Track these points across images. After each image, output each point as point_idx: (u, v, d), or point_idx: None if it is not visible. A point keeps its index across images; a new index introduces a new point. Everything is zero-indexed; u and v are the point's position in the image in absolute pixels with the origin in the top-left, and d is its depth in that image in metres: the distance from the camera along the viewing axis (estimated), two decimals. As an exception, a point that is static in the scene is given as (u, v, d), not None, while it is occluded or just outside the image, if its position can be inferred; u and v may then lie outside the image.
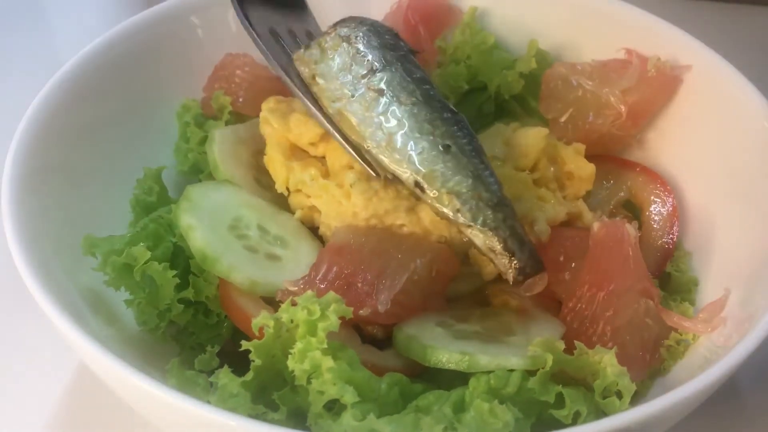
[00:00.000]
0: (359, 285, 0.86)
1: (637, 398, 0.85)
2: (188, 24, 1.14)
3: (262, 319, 0.79)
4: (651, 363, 0.89)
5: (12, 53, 1.47)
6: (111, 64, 1.06)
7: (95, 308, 0.89)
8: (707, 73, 1.06)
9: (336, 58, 0.93)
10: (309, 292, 0.81)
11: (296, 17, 1.06)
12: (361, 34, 0.94)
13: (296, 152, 0.99)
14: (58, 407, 0.97)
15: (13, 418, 0.96)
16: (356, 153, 0.92)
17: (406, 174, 0.89)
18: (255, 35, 0.99)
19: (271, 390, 0.81)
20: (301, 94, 0.96)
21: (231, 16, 1.14)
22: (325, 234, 0.96)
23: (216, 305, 0.92)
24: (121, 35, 1.08)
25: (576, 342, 0.83)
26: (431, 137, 0.90)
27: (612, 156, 1.10)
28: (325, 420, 0.78)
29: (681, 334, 0.91)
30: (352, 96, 0.92)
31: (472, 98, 1.16)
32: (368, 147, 0.91)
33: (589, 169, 1.02)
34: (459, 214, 0.88)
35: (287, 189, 0.99)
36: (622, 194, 1.07)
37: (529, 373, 0.81)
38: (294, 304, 0.80)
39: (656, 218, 1.05)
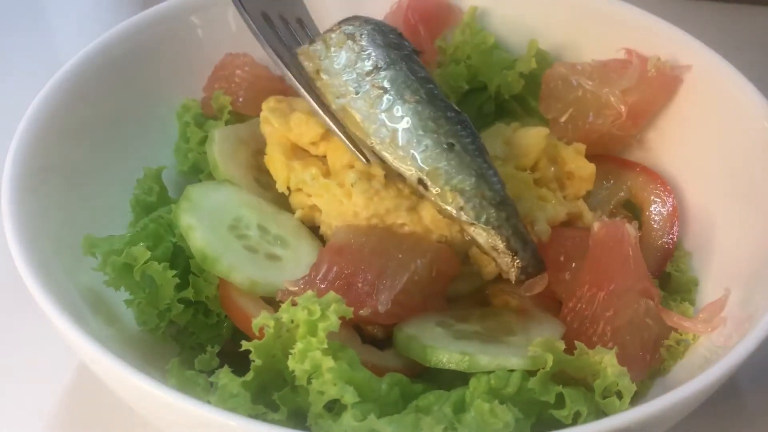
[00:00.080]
0: (359, 285, 0.86)
1: (637, 398, 0.85)
2: (188, 24, 1.14)
3: (262, 320, 0.79)
4: (651, 363, 0.89)
5: (12, 53, 1.47)
6: (111, 64, 1.06)
7: (95, 308, 0.89)
8: (707, 73, 1.06)
9: (341, 54, 0.94)
10: (309, 292, 0.81)
11: (288, 3, 1.05)
12: (365, 32, 0.94)
13: (297, 152, 0.99)
14: (58, 407, 0.97)
15: (13, 418, 0.96)
16: (345, 137, 0.92)
17: (409, 171, 0.90)
18: (247, 17, 0.99)
19: (272, 390, 0.81)
20: (290, 75, 0.95)
21: (231, 16, 1.14)
22: (325, 233, 0.96)
23: (216, 305, 0.92)
24: (121, 35, 1.08)
25: (576, 342, 0.83)
26: (435, 135, 0.90)
27: (612, 156, 1.10)
28: (325, 420, 0.78)
29: (681, 334, 0.91)
30: (357, 93, 0.92)
31: (472, 98, 1.16)
32: (372, 144, 0.91)
33: (589, 169, 1.02)
34: (462, 212, 0.88)
35: (288, 188, 0.99)
36: (622, 194, 1.07)
37: (530, 373, 0.81)
38: (294, 304, 0.80)
39: (656, 218, 1.05)
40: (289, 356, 0.78)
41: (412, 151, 0.90)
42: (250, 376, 0.80)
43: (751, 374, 0.98)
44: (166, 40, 1.12)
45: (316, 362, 0.77)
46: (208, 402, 0.76)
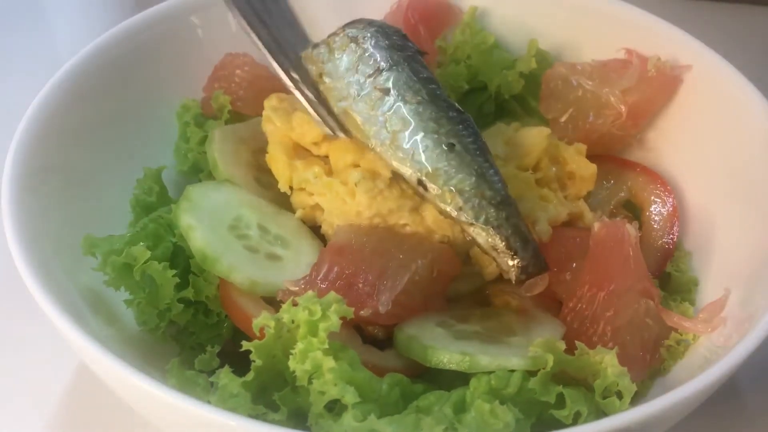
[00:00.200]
0: (360, 285, 0.86)
1: (637, 398, 0.85)
2: (188, 24, 1.14)
3: (262, 320, 0.79)
4: (651, 363, 0.89)
5: (12, 53, 1.47)
6: (111, 64, 1.06)
7: (95, 308, 0.89)
8: (707, 73, 1.06)
9: (344, 57, 0.94)
10: (310, 292, 0.81)
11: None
12: (369, 34, 0.95)
13: (299, 151, 0.99)
14: (58, 407, 0.97)
15: (13, 418, 0.96)
16: (314, 108, 0.93)
17: (409, 172, 0.90)
18: (236, 11, 0.98)
19: (272, 390, 0.81)
20: (266, 52, 0.95)
21: (231, 16, 1.14)
22: (327, 232, 0.96)
23: (216, 305, 0.92)
24: (121, 35, 1.08)
25: (577, 342, 0.82)
26: (435, 135, 0.90)
27: (612, 156, 1.10)
28: (325, 420, 0.78)
29: (681, 334, 0.91)
30: (358, 95, 0.92)
31: (473, 98, 1.16)
32: (373, 146, 0.91)
33: (590, 169, 1.02)
34: (461, 212, 0.88)
35: (290, 188, 0.99)
36: (622, 194, 1.07)
37: (530, 373, 0.81)
38: (295, 304, 0.80)
39: (656, 218, 1.05)
40: (290, 356, 0.78)
41: (412, 152, 0.90)
42: (250, 376, 0.80)
43: (751, 374, 0.98)
44: (166, 40, 1.11)
45: (316, 362, 0.77)
46: (208, 402, 0.76)
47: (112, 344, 0.82)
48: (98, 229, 0.92)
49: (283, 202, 1.00)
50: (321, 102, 0.95)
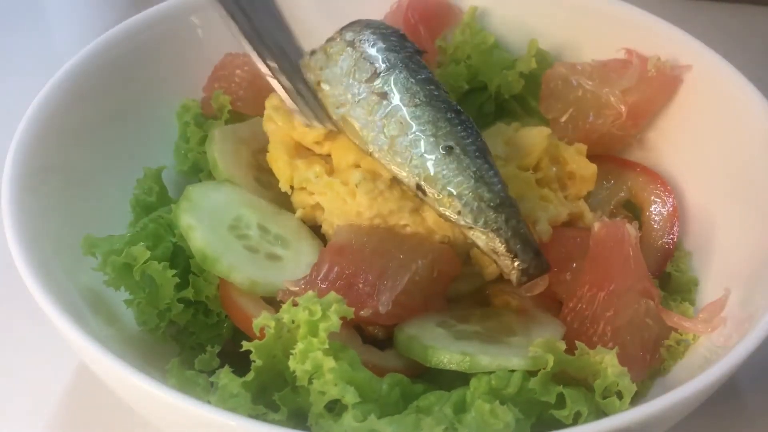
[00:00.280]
0: (360, 285, 0.86)
1: (637, 398, 0.85)
2: (188, 24, 1.14)
3: (263, 320, 0.79)
4: (651, 363, 0.89)
5: (12, 53, 1.47)
6: (111, 64, 1.06)
7: (95, 308, 0.89)
8: (707, 73, 1.06)
9: (341, 63, 0.94)
10: (310, 292, 0.80)
11: None
12: (365, 37, 0.94)
13: (300, 150, 0.99)
14: (58, 407, 0.97)
15: (13, 418, 0.96)
16: (290, 97, 0.93)
17: (407, 177, 0.89)
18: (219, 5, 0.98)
19: (272, 390, 0.81)
20: (242, 38, 0.94)
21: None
22: (327, 232, 0.96)
23: (216, 305, 0.92)
24: (121, 35, 1.08)
25: (577, 342, 0.82)
26: (433, 139, 0.90)
27: (612, 156, 1.10)
28: (326, 420, 0.78)
29: (681, 334, 0.91)
30: (356, 100, 0.92)
31: (472, 98, 1.16)
32: (371, 151, 0.91)
33: (590, 169, 1.01)
34: (460, 216, 0.88)
35: (290, 187, 0.99)
36: (622, 194, 1.07)
37: (530, 373, 0.81)
38: (295, 304, 0.80)
39: (656, 218, 1.05)
40: (290, 356, 0.78)
41: (409, 157, 0.89)
42: (250, 376, 0.80)
43: (751, 374, 0.98)
44: (166, 40, 1.11)
45: (317, 362, 0.77)
46: (208, 402, 0.76)
47: (112, 344, 0.82)
48: (98, 229, 0.92)
49: (284, 202, 1.00)
50: (298, 91, 0.94)
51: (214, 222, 0.92)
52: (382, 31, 0.96)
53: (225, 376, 0.80)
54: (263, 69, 0.96)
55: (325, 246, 0.93)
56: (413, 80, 0.92)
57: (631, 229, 0.90)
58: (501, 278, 0.93)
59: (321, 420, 0.78)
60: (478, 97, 1.17)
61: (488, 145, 0.92)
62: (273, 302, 0.88)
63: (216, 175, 1.00)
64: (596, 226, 0.90)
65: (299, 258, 0.94)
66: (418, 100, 0.91)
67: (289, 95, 0.95)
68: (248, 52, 0.96)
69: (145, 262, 0.88)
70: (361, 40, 0.94)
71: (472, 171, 0.89)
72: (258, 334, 0.80)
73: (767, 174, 0.97)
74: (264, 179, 1.02)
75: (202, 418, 0.72)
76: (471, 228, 0.88)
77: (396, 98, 0.91)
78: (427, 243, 0.91)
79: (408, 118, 0.90)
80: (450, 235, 0.93)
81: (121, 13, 1.16)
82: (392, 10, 1.17)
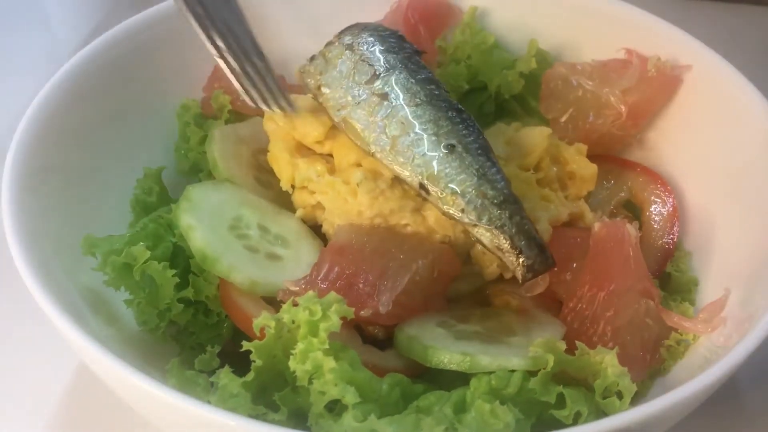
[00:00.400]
0: (361, 285, 0.86)
1: (637, 398, 0.85)
2: (188, 24, 1.14)
3: (263, 320, 0.79)
4: (651, 363, 0.89)
5: (12, 53, 1.47)
6: (111, 64, 1.06)
7: (95, 308, 0.89)
8: (707, 73, 1.06)
9: (340, 66, 0.94)
10: (310, 292, 0.80)
11: None
12: (363, 40, 0.95)
13: (301, 149, 0.99)
14: (58, 407, 0.97)
15: (13, 418, 0.96)
16: (238, 80, 0.94)
17: (410, 176, 0.89)
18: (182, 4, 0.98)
19: (272, 390, 0.81)
20: (191, 17, 0.93)
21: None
22: (327, 232, 0.96)
23: (216, 305, 0.92)
24: (121, 35, 1.08)
25: (577, 342, 0.83)
26: (435, 138, 0.90)
27: (612, 156, 1.10)
28: (326, 420, 0.78)
29: (681, 334, 0.91)
30: (356, 103, 0.92)
31: (472, 98, 1.16)
32: (373, 152, 0.91)
33: (591, 169, 1.02)
34: (464, 214, 0.88)
35: (291, 186, 0.99)
36: (622, 194, 1.07)
37: (530, 373, 0.81)
38: (295, 304, 0.80)
39: (656, 218, 1.05)
40: (290, 356, 0.78)
41: (412, 156, 0.89)
42: (250, 376, 0.80)
43: (751, 374, 0.98)
44: (166, 40, 1.11)
45: (317, 362, 0.77)
46: (208, 402, 0.76)
47: (112, 344, 0.82)
48: (98, 229, 0.92)
49: (284, 201, 1.00)
50: (245, 73, 0.94)
51: (214, 222, 0.92)
52: (380, 33, 0.96)
53: (225, 376, 0.80)
54: (210, 48, 0.95)
55: (325, 246, 0.93)
56: (413, 80, 0.92)
57: (631, 229, 0.90)
58: (501, 278, 0.93)
59: (321, 420, 0.78)
60: (478, 97, 1.17)
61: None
62: (273, 302, 0.88)
63: (216, 175, 1.00)
64: (596, 226, 0.90)
65: (299, 258, 0.94)
66: (418, 100, 0.91)
67: (235, 76, 0.95)
68: (195, 31, 0.95)
69: (145, 262, 0.88)
70: (359, 43, 0.95)
71: (474, 168, 0.89)
72: (258, 334, 0.80)
73: (767, 174, 0.97)
74: (264, 179, 1.02)
75: (202, 418, 0.72)
76: (475, 225, 0.88)
77: (397, 99, 0.91)
78: (427, 243, 0.91)
79: (409, 117, 0.91)
80: (450, 235, 0.93)
81: (121, 13, 1.16)
82: (392, 10, 1.17)
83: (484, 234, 0.88)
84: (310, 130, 0.97)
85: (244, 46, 0.95)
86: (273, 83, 0.96)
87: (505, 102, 1.17)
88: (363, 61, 0.93)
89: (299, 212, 0.98)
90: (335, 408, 0.79)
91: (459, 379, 0.83)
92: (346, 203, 0.93)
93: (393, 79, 0.92)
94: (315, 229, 0.98)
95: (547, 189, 0.99)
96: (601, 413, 0.81)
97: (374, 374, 0.81)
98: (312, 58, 0.96)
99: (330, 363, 0.77)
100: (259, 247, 0.93)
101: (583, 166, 1.02)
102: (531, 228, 0.88)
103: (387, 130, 0.90)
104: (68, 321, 0.78)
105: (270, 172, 1.01)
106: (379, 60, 0.93)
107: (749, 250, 0.95)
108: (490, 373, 0.81)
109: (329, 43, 0.97)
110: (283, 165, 0.98)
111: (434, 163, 0.89)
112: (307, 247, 0.96)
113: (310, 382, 0.78)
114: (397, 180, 0.92)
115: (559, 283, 0.92)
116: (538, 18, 1.17)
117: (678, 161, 1.09)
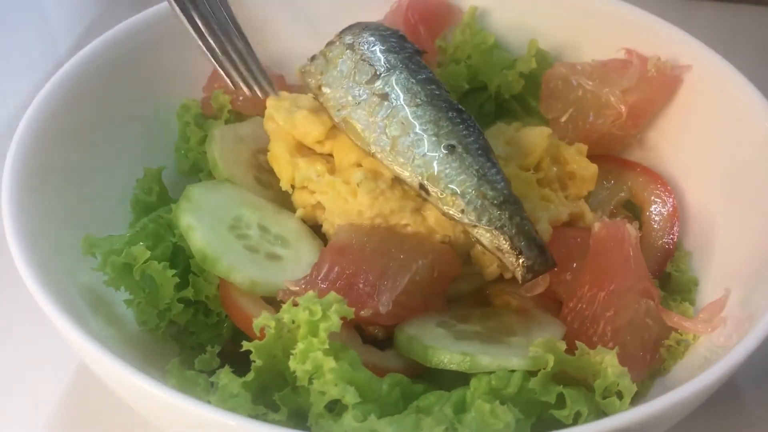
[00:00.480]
0: (361, 285, 0.86)
1: (637, 398, 0.85)
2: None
3: (263, 320, 0.79)
4: (651, 363, 0.89)
5: (12, 53, 1.47)
6: (111, 64, 1.06)
7: (95, 308, 0.89)
8: (707, 73, 1.06)
9: (340, 66, 0.94)
10: (310, 292, 0.81)
11: None
12: (364, 40, 0.95)
13: (301, 149, 0.99)
14: (58, 407, 0.97)
15: (13, 418, 0.96)
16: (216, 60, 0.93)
17: (410, 177, 0.89)
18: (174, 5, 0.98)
19: (272, 390, 0.81)
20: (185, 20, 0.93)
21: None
22: (327, 232, 0.96)
23: (216, 305, 0.92)
24: (121, 35, 1.08)
25: (577, 342, 0.83)
26: (435, 138, 0.90)
27: (612, 156, 1.10)
28: (326, 420, 0.78)
29: (681, 334, 0.91)
30: (357, 103, 0.92)
31: (473, 98, 1.16)
32: (373, 152, 0.90)
33: (591, 169, 1.02)
34: (464, 215, 0.88)
35: (291, 186, 0.98)
36: (622, 194, 1.07)
37: (530, 373, 0.81)
38: (295, 304, 0.80)
39: (656, 218, 1.05)
40: (290, 356, 0.78)
41: (412, 156, 0.89)
42: (250, 376, 0.80)
43: (751, 374, 0.98)
44: (166, 40, 1.11)
45: (317, 362, 0.77)
46: (208, 402, 0.76)
47: (112, 344, 0.82)
48: (98, 229, 0.92)
49: (284, 201, 1.00)
50: (225, 54, 0.94)
51: (214, 222, 0.92)
52: (381, 32, 0.96)
53: (225, 376, 0.80)
54: (191, 30, 0.95)
55: (325, 245, 0.93)
56: (414, 80, 0.92)
57: (631, 229, 0.90)
58: (501, 278, 0.93)
59: (321, 420, 0.78)
60: (478, 97, 1.17)
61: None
62: (273, 302, 0.88)
63: (216, 175, 1.00)
64: (596, 226, 0.90)
65: (299, 258, 0.94)
66: (419, 100, 0.91)
67: (213, 56, 0.95)
68: (174, 11, 0.95)
69: (145, 262, 0.88)
70: (360, 43, 0.95)
71: (474, 169, 0.89)
72: (258, 334, 0.80)
73: (767, 174, 0.97)
74: (264, 179, 1.02)
75: (202, 418, 0.72)
76: (475, 226, 0.88)
77: (397, 99, 0.91)
78: (427, 243, 0.91)
79: (410, 118, 0.91)
80: (451, 235, 0.93)
81: (120, 12, 1.15)
82: (392, 10, 1.17)
83: (484, 235, 0.88)
84: (311, 130, 0.97)
85: (225, 28, 0.95)
86: (254, 64, 0.96)
87: (505, 102, 1.17)
88: (364, 60, 0.93)
89: (299, 212, 0.98)
90: (335, 408, 0.79)
91: (459, 379, 0.83)
92: (346, 203, 0.93)
93: (393, 79, 0.92)
94: (315, 229, 0.98)
95: (547, 189, 0.99)
96: (601, 413, 0.81)
97: (374, 374, 0.81)
98: (313, 58, 0.96)
99: (330, 363, 0.77)
100: (259, 247, 0.93)
101: (583, 166, 1.02)
102: (531, 228, 0.88)
103: (387, 131, 0.90)
104: (68, 321, 0.78)
105: (270, 172, 1.01)
106: (380, 60, 0.93)
107: (749, 250, 0.95)
108: (490, 373, 0.81)
109: (330, 43, 0.97)
110: (283, 165, 0.98)
111: (434, 164, 0.89)
112: (307, 247, 0.96)
113: (310, 382, 0.78)
114: (397, 180, 0.92)
115: (559, 283, 0.92)
116: (538, 18, 1.17)
117: (678, 161, 1.09)
